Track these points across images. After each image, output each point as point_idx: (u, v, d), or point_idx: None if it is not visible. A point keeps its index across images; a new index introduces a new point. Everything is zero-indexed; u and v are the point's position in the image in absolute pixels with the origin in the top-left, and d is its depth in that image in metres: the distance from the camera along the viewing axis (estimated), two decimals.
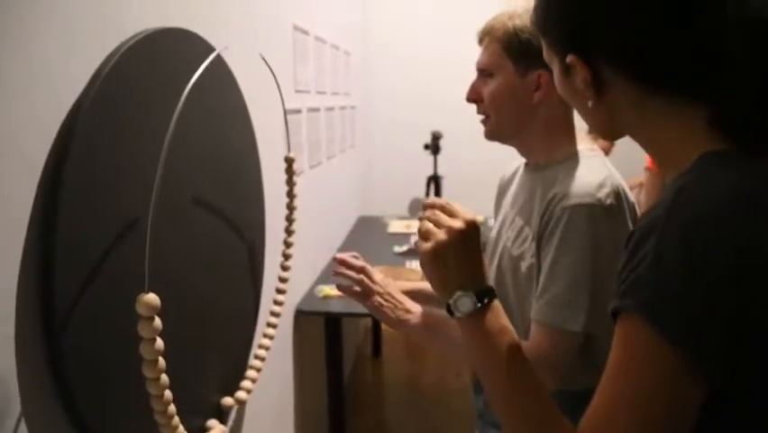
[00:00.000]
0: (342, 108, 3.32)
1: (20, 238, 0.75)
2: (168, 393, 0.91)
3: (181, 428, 0.98)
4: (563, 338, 1.03)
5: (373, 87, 4.58)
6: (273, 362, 1.82)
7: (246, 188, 1.41)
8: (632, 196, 1.11)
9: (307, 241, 2.32)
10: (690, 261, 0.56)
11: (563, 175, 1.10)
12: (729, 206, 0.58)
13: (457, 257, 0.79)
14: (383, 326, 3.20)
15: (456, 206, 0.83)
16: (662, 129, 0.69)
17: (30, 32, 0.75)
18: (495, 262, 1.24)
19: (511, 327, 0.79)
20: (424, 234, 0.81)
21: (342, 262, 1.19)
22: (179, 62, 1.04)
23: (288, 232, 1.49)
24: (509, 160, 1.34)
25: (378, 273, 1.19)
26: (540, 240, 1.09)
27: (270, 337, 1.49)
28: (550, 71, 0.81)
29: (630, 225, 1.06)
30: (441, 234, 0.79)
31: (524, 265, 1.14)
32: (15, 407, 0.75)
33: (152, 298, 0.84)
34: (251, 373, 1.43)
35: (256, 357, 1.47)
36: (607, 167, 1.11)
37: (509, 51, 1.15)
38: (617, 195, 1.05)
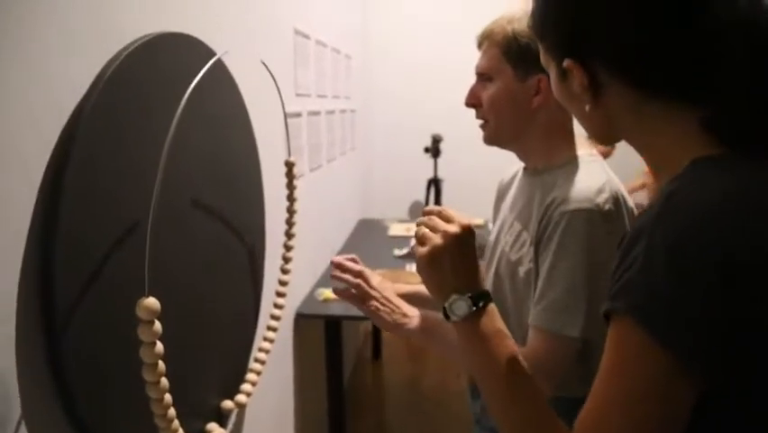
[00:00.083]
0: (343, 112, 3.33)
1: (21, 241, 0.75)
2: (168, 397, 0.92)
3: (181, 431, 0.98)
4: (561, 344, 1.02)
5: (374, 90, 4.59)
6: (273, 365, 1.83)
7: (246, 191, 1.42)
8: (631, 201, 1.10)
9: (308, 244, 2.32)
10: (678, 264, 0.57)
11: (562, 180, 1.09)
12: (717, 211, 0.59)
13: (453, 261, 0.80)
14: None
15: (452, 211, 0.84)
16: (658, 133, 0.70)
17: (29, 37, 0.75)
18: (493, 267, 1.23)
19: (507, 331, 0.80)
20: (420, 239, 0.83)
21: (339, 266, 1.19)
22: (180, 67, 1.05)
23: (289, 235, 1.49)
24: (509, 163, 1.34)
25: (375, 277, 1.19)
26: (538, 245, 1.09)
27: (270, 341, 1.49)
28: (549, 76, 0.82)
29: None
30: (437, 239, 0.81)
31: (521, 270, 1.13)
32: (15, 409, 0.75)
33: (152, 302, 0.84)
34: (251, 376, 1.44)
35: (256, 360, 1.47)
36: (606, 172, 1.11)
37: (508, 56, 1.14)
38: (616, 200, 1.05)
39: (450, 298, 0.79)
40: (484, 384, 0.79)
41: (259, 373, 1.45)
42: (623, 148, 0.77)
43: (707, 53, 0.65)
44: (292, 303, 2.18)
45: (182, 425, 0.98)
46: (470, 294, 0.79)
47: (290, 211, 1.47)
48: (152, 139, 0.96)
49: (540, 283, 1.06)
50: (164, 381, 0.89)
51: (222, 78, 1.27)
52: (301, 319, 2.25)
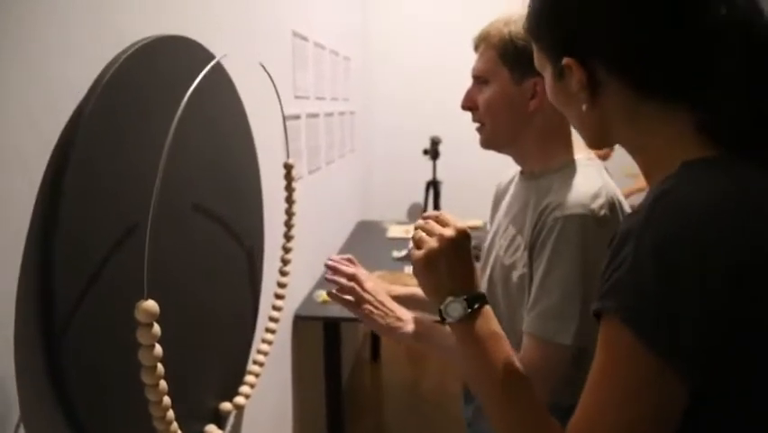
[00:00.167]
0: (342, 114, 3.33)
1: (20, 244, 0.76)
2: (166, 399, 0.92)
3: None
4: (555, 351, 1.01)
5: (372, 92, 4.59)
6: (272, 367, 1.83)
7: (245, 194, 1.42)
8: (627, 205, 1.08)
9: (306, 246, 2.33)
10: (667, 264, 0.58)
11: (558, 184, 1.08)
12: (707, 211, 0.59)
13: (448, 264, 0.81)
14: None
15: (449, 216, 0.86)
16: (653, 134, 0.70)
17: (29, 39, 0.76)
18: (487, 272, 1.22)
19: (502, 333, 0.81)
20: (417, 243, 0.84)
21: (333, 269, 1.19)
22: (179, 70, 1.05)
23: (287, 237, 1.50)
24: (508, 165, 1.33)
25: (369, 281, 1.18)
26: (532, 250, 1.07)
27: (269, 343, 1.49)
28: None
29: None
30: (432, 242, 0.82)
31: (515, 275, 1.12)
32: (14, 412, 0.75)
33: (151, 304, 0.84)
34: (249, 378, 1.44)
35: (255, 362, 1.47)
36: (602, 177, 1.09)
37: (505, 58, 1.13)
38: (612, 205, 1.03)
39: (445, 300, 0.81)
40: (479, 385, 0.79)
41: (257, 375, 1.46)
42: (622, 149, 0.77)
43: (705, 54, 0.65)
44: (291, 305, 2.18)
45: (181, 427, 0.99)
46: (465, 296, 0.80)
47: (289, 213, 1.48)
48: (151, 141, 0.96)
49: (534, 289, 1.05)
50: (163, 383, 0.90)
51: (220, 81, 1.27)
52: (300, 321, 2.25)
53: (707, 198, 0.60)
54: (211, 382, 1.27)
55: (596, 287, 0.65)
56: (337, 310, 2.26)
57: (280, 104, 1.39)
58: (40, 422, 0.80)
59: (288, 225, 1.48)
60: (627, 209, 1.08)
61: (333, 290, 1.19)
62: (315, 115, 2.58)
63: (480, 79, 1.18)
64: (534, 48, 0.82)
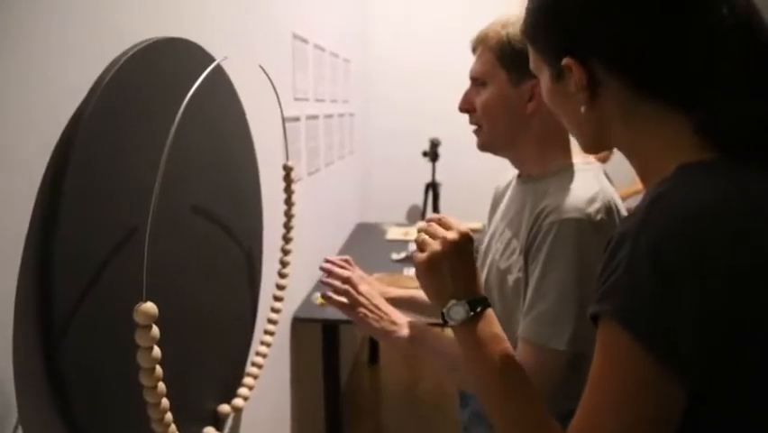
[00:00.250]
0: (341, 116, 3.33)
1: (19, 246, 0.75)
2: (165, 401, 0.92)
3: None
4: (550, 356, 0.99)
5: (372, 94, 4.59)
6: (270, 369, 1.83)
7: (244, 196, 1.42)
8: (624, 209, 1.07)
9: (305, 248, 2.33)
10: (662, 266, 0.58)
11: (554, 188, 1.07)
12: (703, 214, 0.59)
13: (451, 267, 0.82)
14: None
15: (451, 219, 0.86)
16: (650, 135, 0.70)
17: (28, 40, 0.76)
18: (483, 275, 1.21)
19: (504, 336, 0.81)
20: (420, 246, 0.84)
21: (328, 271, 1.19)
22: (179, 72, 1.05)
23: (286, 239, 1.50)
24: (507, 167, 1.33)
25: (363, 284, 1.17)
26: (527, 254, 1.06)
27: (267, 345, 1.49)
28: None
29: None
30: (435, 245, 0.82)
31: (510, 279, 1.11)
32: (12, 414, 0.75)
33: (150, 306, 0.84)
34: (247, 380, 1.44)
35: (253, 364, 1.47)
36: (599, 181, 1.08)
37: (502, 60, 1.12)
38: (609, 210, 1.02)
39: (448, 303, 0.81)
40: (481, 386, 0.80)
41: (256, 377, 1.46)
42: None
43: (705, 54, 0.65)
44: (289, 307, 2.18)
45: (179, 429, 0.98)
46: (467, 300, 0.80)
47: (288, 215, 1.48)
48: (151, 143, 0.96)
49: (529, 294, 1.04)
50: (161, 385, 0.89)
51: (220, 83, 1.27)
52: (298, 323, 2.25)
53: (706, 200, 0.60)
54: (209, 383, 1.27)
55: (592, 291, 0.65)
56: (336, 312, 2.24)
57: (280, 106, 1.39)
58: (38, 424, 0.80)
59: (288, 226, 1.49)
60: (624, 213, 1.06)
61: (328, 293, 1.18)
62: (314, 117, 2.59)
63: (477, 81, 1.17)
64: (531, 50, 0.82)
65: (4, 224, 0.73)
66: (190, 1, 1.22)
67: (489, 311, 0.82)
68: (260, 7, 1.73)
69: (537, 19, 0.78)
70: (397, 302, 1.34)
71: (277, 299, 1.51)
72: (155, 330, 0.86)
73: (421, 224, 0.88)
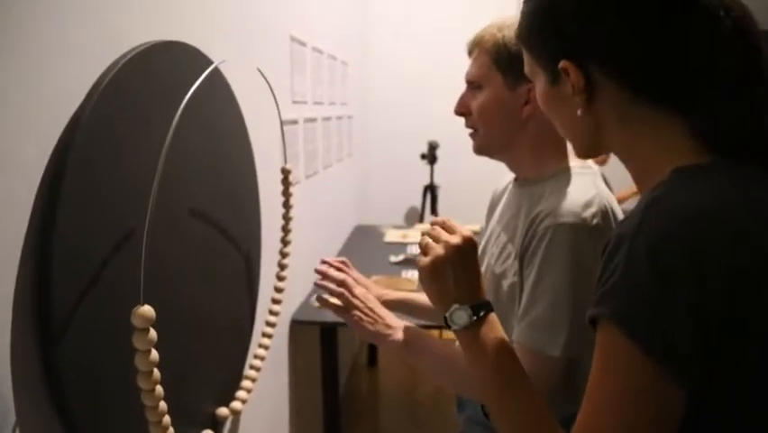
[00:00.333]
0: (339, 118, 3.33)
1: (17, 249, 0.76)
2: (162, 404, 0.92)
3: None
4: (545, 362, 0.98)
5: (370, 96, 4.60)
6: (268, 372, 1.83)
7: (242, 198, 1.42)
8: (621, 213, 1.05)
9: (303, 250, 2.33)
10: (659, 269, 0.58)
11: (550, 192, 1.06)
12: (701, 216, 0.60)
13: (454, 271, 0.82)
14: None
15: (455, 223, 0.86)
16: (647, 138, 0.70)
17: (28, 43, 0.76)
18: None
19: (507, 340, 0.81)
20: (423, 249, 0.85)
21: (323, 274, 1.18)
22: (177, 75, 1.05)
23: (284, 242, 1.50)
24: (506, 170, 1.32)
25: (358, 287, 1.17)
26: (522, 259, 1.05)
27: (266, 347, 1.49)
28: None
29: None
30: (439, 249, 0.83)
31: (505, 284, 1.10)
32: (11, 417, 0.75)
33: (147, 310, 0.84)
34: (246, 383, 1.44)
35: (251, 367, 1.47)
36: (596, 185, 1.07)
37: (498, 64, 1.12)
38: (605, 214, 1.01)
39: (451, 307, 0.81)
40: (486, 392, 0.80)
41: (254, 380, 1.45)
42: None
43: (702, 56, 0.65)
44: (287, 309, 2.18)
45: (177, 432, 0.98)
46: (470, 304, 0.81)
47: (286, 218, 1.48)
48: (149, 146, 0.96)
49: (524, 299, 1.03)
50: (159, 388, 0.89)
51: (218, 86, 1.28)
52: (297, 326, 2.25)
53: (703, 202, 0.61)
54: (208, 387, 1.27)
55: (587, 296, 0.65)
56: (334, 315, 2.25)
57: (278, 109, 1.39)
58: (36, 426, 0.80)
59: (286, 229, 1.49)
60: (621, 217, 1.03)
61: (323, 295, 1.18)
62: (312, 120, 2.59)
63: (473, 85, 1.17)
64: (525, 54, 0.82)
65: (2, 226, 0.73)
66: (188, 4, 1.22)
67: (492, 316, 0.82)
68: (257, 10, 1.73)
69: (532, 23, 0.78)
70: (393, 305, 1.34)
71: (275, 301, 1.51)
72: (153, 333, 0.86)
73: (425, 227, 0.88)
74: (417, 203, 4.48)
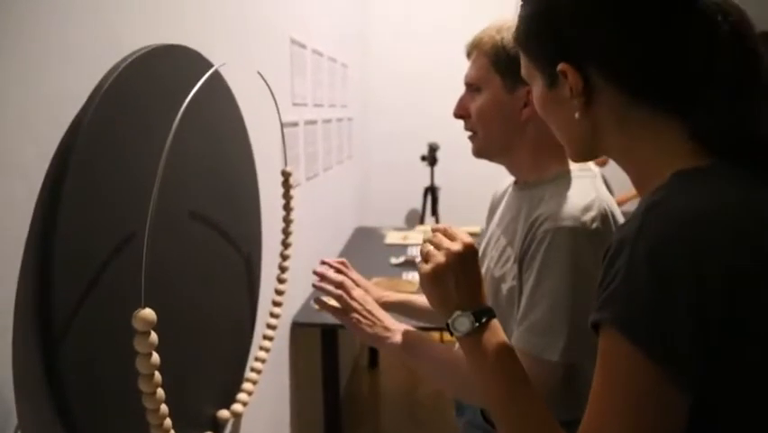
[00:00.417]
0: (340, 120, 3.34)
1: (18, 251, 0.76)
2: (164, 407, 0.92)
3: None
4: (544, 367, 0.97)
5: (370, 98, 4.60)
6: (269, 374, 1.83)
7: (243, 201, 1.43)
8: (621, 216, 1.05)
9: (304, 253, 2.33)
10: (659, 273, 0.58)
11: (550, 195, 1.06)
12: (701, 219, 0.60)
13: (455, 278, 0.82)
14: None
15: (456, 230, 0.86)
16: (645, 141, 0.70)
17: (29, 46, 0.76)
18: None
19: (510, 345, 0.81)
20: (425, 257, 0.85)
21: (321, 276, 1.18)
22: (178, 78, 1.06)
23: (285, 244, 1.50)
24: (506, 173, 1.32)
25: (356, 289, 1.16)
26: (522, 262, 1.05)
27: (267, 350, 1.50)
28: None
29: None
30: (440, 257, 0.83)
31: (504, 287, 1.09)
32: (12, 419, 0.75)
33: (148, 313, 0.85)
34: (247, 385, 1.44)
35: (252, 369, 1.47)
36: (596, 188, 1.06)
37: (497, 66, 1.11)
38: (604, 218, 1.00)
39: (453, 314, 0.81)
40: (488, 396, 0.80)
41: (255, 383, 1.46)
42: None
43: (701, 59, 0.66)
44: (288, 311, 2.18)
45: None
46: (472, 311, 0.81)
47: (287, 220, 1.48)
48: (150, 149, 0.97)
49: (523, 303, 1.02)
50: (160, 391, 0.90)
51: (219, 89, 1.28)
52: (297, 328, 2.25)
53: (702, 205, 0.61)
54: (208, 389, 1.27)
55: (587, 301, 0.65)
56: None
57: (278, 112, 1.39)
58: (37, 430, 0.80)
59: (286, 231, 1.49)
60: (621, 220, 1.04)
61: (322, 297, 1.17)
62: (312, 122, 2.59)
63: (472, 87, 1.17)
64: (523, 57, 0.82)
65: (4, 228, 0.73)
66: (189, 7, 1.22)
67: (495, 322, 0.82)
68: (257, 13, 1.73)
69: (530, 26, 0.78)
70: (392, 307, 1.34)
71: (276, 304, 1.51)
72: (154, 336, 0.86)
73: (426, 228, 0.89)
74: (418, 205, 4.49)
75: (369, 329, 1.11)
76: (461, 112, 1.18)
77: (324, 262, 1.25)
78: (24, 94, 0.75)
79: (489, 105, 1.13)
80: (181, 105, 0.90)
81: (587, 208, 1.00)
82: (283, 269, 1.50)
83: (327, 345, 2.33)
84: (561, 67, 0.72)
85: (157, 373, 0.88)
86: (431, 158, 4.30)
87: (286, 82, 2.13)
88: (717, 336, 0.57)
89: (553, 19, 0.74)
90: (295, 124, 2.27)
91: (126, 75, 0.92)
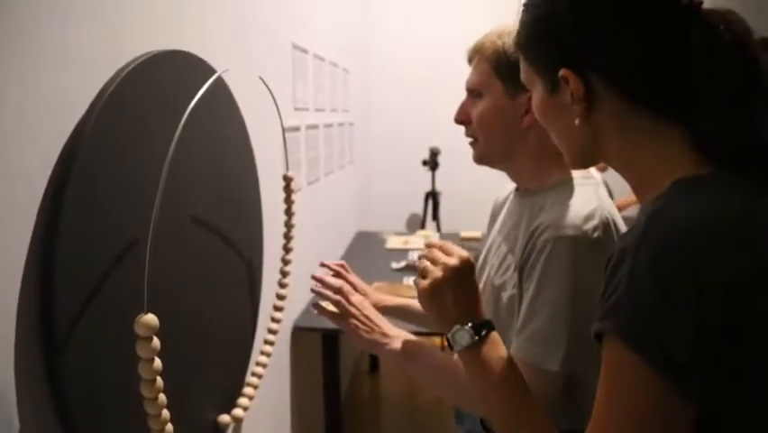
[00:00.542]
0: (341, 125, 3.34)
1: (21, 258, 0.76)
2: (165, 412, 0.92)
3: None
4: (544, 377, 0.96)
5: (372, 103, 4.61)
6: (270, 378, 1.83)
7: (244, 206, 1.43)
8: (623, 224, 1.04)
9: (305, 257, 2.33)
10: (658, 284, 0.58)
11: (551, 203, 1.05)
12: (702, 228, 0.60)
13: (453, 293, 0.83)
14: None
15: (452, 245, 0.87)
16: (646, 148, 0.70)
17: (29, 53, 0.76)
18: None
19: (510, 357, 0.81)
20: (422, 273, 0.85)
21: (320, 281, 1.17)
22: (180, 85, 1.06)
23: (286, 249, 1.50)
24: (508, 178, 1.32)
25: (356, 294, 1.15)
26: (522, 271, 1.04)
27: (268, 354, 1.50)
28: None
29: None
30: (437, 272, 0.84)
31: (505, 296, 1.08)
32: (14, 425, 0.75)
33: (151, 318, 0.85)
34: (248, 390, 1.44)
35: (253, 374, 1.47)
36: (598, 196, 1.05)
37: (498, 71, 1.10)
38: (606, 227, 0.99)
39: (452, 328, 0.82)
40: (489, 408, 0.81)
41: (256, 387, 1.46)
42: None
43: (702, 67, 0.66)
44: (289, 316, 2.19)
45: None
46: (471, 324, 0.81)
47: (288, 225, 1.48)
48: (152, 156, 0.97)
49: (522, 312, 1.01)
50: (162, 396, 0.90)
51: (221, 95, 1.28)
52: (299, 332, 2.25)
53: (703, 214, 0.61)
54: (210, 394, 1.27)
55: (587, 310, 0.65)
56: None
57: (280, 117, 1.39)
58: None
59: (288, 236, 1.49)
60: (623, 227, 1.03)
61: (321, 303, 1.16)
62: (314, 127, 2.60)
63: (473, 93, 1.16)
64: (523, 62, 0.82)
65: (6, 235, 0.73)
66: (191, 13, 1.23)
67: (494, 334, 0.83)
68: (259, 18, 1.74)
69: (531, 31, 0.78)
70: (390, 311, 1.33)
71: (277, 308, 1.51)
72: (156, 342, 0.86)
73: (427, 233, 0.89)
74: (419, 209, 4.49)
75: (367, 335, 1.10)
76: (462, 118, 1.17)
77: (323, 265, 1.25)
78: (27, 101, 0.75)
79: (491, 110, 1.13)
80: (184, 112, 0.90)
81: (588, 217, 0.99)
82: (284, 274, 1.51)
83: (328, 349, 2.33)
84: (562, 72, 0.72)
85: (159, 379, 0.88)
86: (432, 163, 4.31)
87: (287, 87, 2.13)
88: (716, 344, 0.57)
89: (554, 24, 0.74)
90: (296, 129, 2.28)
91: (128, 81, 0.92)
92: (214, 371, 1.27)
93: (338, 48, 3.26)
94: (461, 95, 1.20)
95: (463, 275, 0.84)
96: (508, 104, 1.11)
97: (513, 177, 1.20)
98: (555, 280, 0.97)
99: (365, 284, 1.31)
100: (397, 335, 1.10)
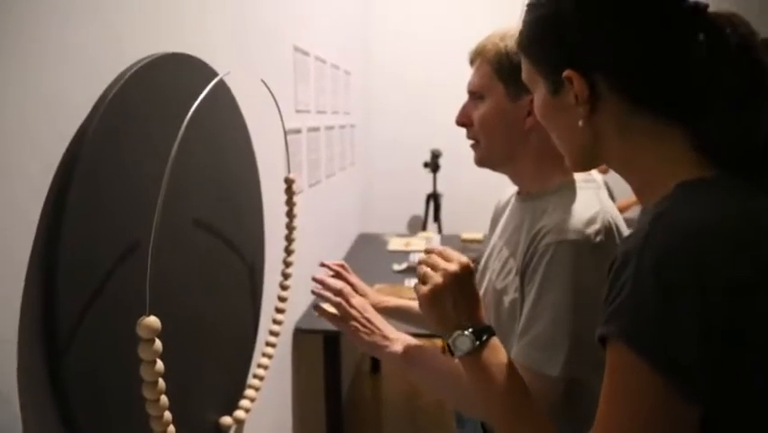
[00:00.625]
0: (342, 127, 3.34)
1: (23, 261, 0.76)
2: (167, 414, 0.92)
3: None
4: (544, 382, 0.95)
5: (373, 105, 4.61)
6: (272, 380, 1.83)
7: (246, 208, 1.43)
8: (625, 228, 1.03)
9: (307, 259, 2.33)
10: (662, 286, 0.58)
11: (552, 207, 1.04)
12: (705, 230, 0.60)
13: (453, 298, 0.83)
14: None
15: (451, 251, 0.87)
16: (648, 149, 0.70)
17: (31, 55, 0.77)
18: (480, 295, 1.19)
19: (511, 362, 0.81)
20: (422, 278, 0.86)
21: (321, 282, 1.17)
22: (182, 87, 1.06)
23: (288, 251, 1.50)
24: (509, 180, 1.32)
25: (356, 296, 1.14)
26: (523, 275, 1.02)
27: (269, 356, 1.50)
28: None
29: None
30: (437, 278, 0.84)
31: (506, 300, 1.07)
32: (17, 427, 0.76)
33: (153, 320, 0.85)
34: (249, 391, 1.44)
35: (255, 376, 1.47)
36: (600, 199, 1.04)
37: (500, 73, 1.10)
38: (608, 231, 0.98)
39: (453, 334, 0.82)
40: (490, 413, 0.81)
41: (257, 389, 1.46)
42: None
43: (706, 69, 0.66)
44: (291, 318, 2.19)
45: None
46: (471, 330, 0.81)
47: (290, 227, 1.48)
48: (154, 158, 0.97)
49: (524, 316, 1.00)
50: (164, 398, 0.90)
51: (222, 97, 1.29)
52: (300, 334, 2.25)
53: (707, 216, 0.61)
54: (211, 396, 1.27)
55: (589, 315, 0.65)
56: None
57: (281, 120, 1.40)
58: None
59: (289, 238, 1.49)
60: (625, 232, 1.03)
61: (321, 304, 1.16)
62: (315, 129, 2.60)
63: (475, 95, 1.15)
64: (525, 63, 0.82)
65: (9, 238, 0.74)
66: (192, 16, 1.23)
67: (494, 339, 0.83)
68: (261, 21, 1.74)
69: (534, 32, 0.78)
70: (390, 311, 1.33)
71: (278, 310, 1.51)
72: (158, 344, 0.86)
73: (428, 234, 0.90)
74: (420, 211, 4.49)
75: (367, 337, 1.09)
76: (463, 120, 1.17)
77: (323, 265, 1.24)
78: (29, 103, 0.76)
79: (492, 113, 1.12)
80: (185, 114, 0.91)
81: (591, 221, 0.98)
82: (286, 276, 1.51)
83: (330, 351, 2.34)
84: (567, 73, 0.72)
85: (161, 381, 0.88)
86: (433, 164, 4.31)
87: (289, 89, 2.14)
88: (719, 346, 0.57)
89: (558, 25, 0.74)
90: (298, 131, 2.28)
91: (130, 84, 0.92)
92: (215, 373, 1.27)
93: (339, 50, 3.27)
94: (463, 97, 1.20)
95: (463, 280, 0.84)
96: (510, 106, 1.11)
97: (514, 180, 1.20)
98: (557, 284, 0.96)
99: (365, 285, 1.30)
100: (398, 337, 1.09)
